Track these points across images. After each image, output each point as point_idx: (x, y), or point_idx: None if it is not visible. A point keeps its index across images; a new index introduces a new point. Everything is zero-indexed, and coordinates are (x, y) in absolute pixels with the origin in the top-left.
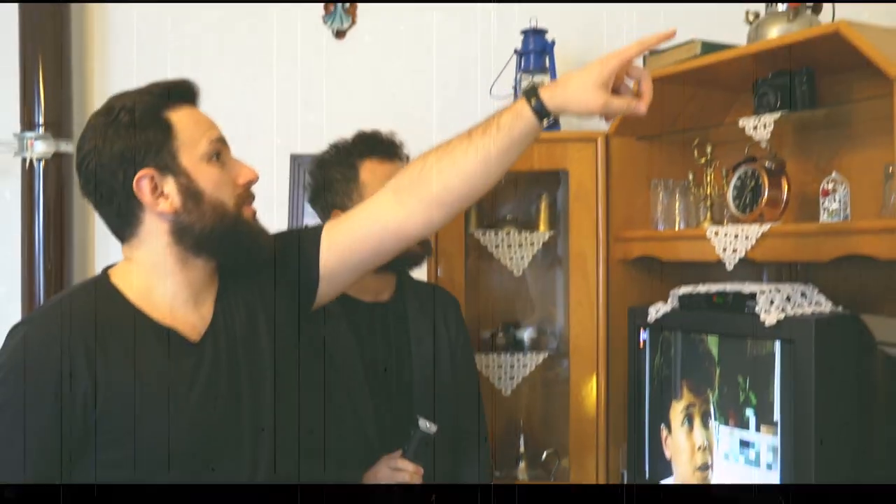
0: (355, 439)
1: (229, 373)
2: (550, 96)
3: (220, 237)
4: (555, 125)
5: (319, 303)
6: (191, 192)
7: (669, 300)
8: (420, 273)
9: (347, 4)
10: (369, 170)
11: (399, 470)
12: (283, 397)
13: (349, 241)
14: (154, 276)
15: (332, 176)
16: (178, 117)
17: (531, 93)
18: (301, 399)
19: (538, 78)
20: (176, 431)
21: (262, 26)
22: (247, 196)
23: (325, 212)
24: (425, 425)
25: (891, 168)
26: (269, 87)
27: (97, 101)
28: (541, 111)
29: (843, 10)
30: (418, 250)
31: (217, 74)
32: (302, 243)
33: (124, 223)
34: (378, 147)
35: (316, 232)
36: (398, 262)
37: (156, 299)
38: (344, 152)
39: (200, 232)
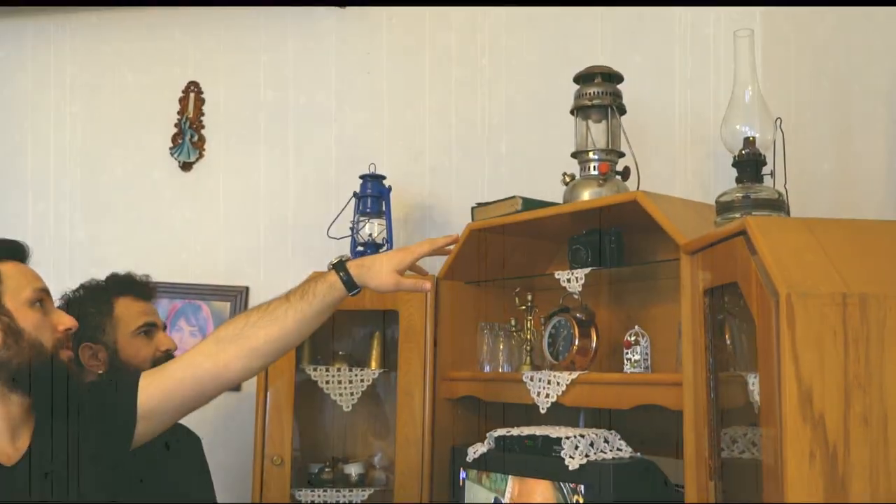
0: None
1: (42, 499)
2: (358, 273)
3: (35, 374)
4: None
5: (138, 442)
6: (12, 330)
7: (486, 441)
8: (247, 406)
9: (196, 137)
10: (124, 305)
11: None
12: None
13: (170, 384)
14: None
15: (86, 310)
16: (6, 268)
17: (340, 267)
18: None
19: (346, 253)
20: None
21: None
22: (66, 341)
23: (74, 347)
24: None
25: (681, 327)
26: (114, 217)
27: None
28: (349, 284)
29: (651, 180)
30: None
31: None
32: (119, 389)
33: None
34: (133, 287)
35: (133, 378)
36: None
37: None
38: (98, 290)
39: (17, 367)
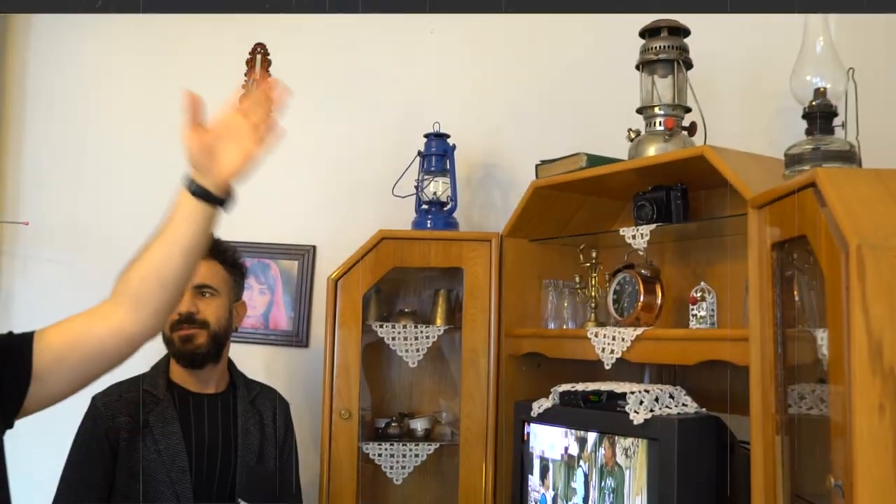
0: None
1: None
2: (198, 176)
3: None
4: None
5: (28, 409)
6: None
7: (551, 397)
8: (316, 361)
9: None
10: None
11: None
12: None
13: (65, 340)
14: None
15: None
16: None
17: (185, 181)
18: None
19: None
20: None
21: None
22: None
23: None
24: None
25: (748, 282)
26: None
27: None
28: (199, 192)
29: (717, 135)
30: None
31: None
32: (11, 345)
33: None
34: None
35: (27, 335)
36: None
37: None
38: None
39: None
